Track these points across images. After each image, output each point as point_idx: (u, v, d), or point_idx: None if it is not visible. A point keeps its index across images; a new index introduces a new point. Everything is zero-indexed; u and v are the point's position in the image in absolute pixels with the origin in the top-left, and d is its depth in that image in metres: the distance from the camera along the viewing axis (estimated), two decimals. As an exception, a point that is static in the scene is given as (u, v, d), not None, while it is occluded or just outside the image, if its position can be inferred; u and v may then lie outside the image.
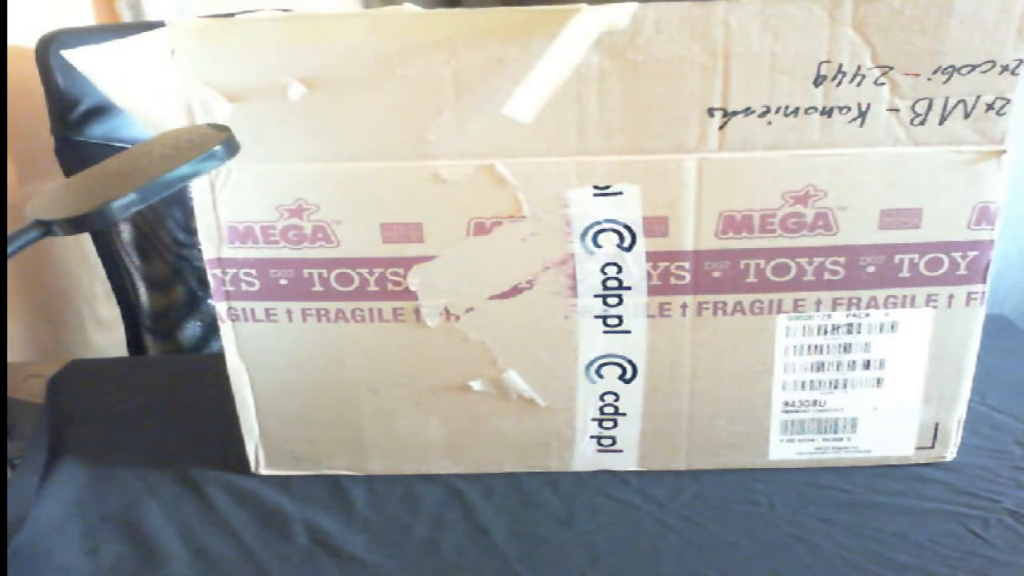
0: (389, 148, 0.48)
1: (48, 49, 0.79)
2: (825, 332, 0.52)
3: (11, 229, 0.35)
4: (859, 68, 0.45)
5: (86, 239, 0.93)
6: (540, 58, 0.44)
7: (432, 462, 0.56)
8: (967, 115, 0.46)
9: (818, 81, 0.45)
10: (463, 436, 0.55)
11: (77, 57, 0.45)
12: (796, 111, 0.46)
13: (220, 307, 0.52)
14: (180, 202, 0.88)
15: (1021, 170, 0.49)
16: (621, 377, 0.53)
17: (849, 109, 0.46)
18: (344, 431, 0.56)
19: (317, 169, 0.48)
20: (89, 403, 0.66)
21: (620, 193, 0.48)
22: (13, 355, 0.86)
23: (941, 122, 0.46)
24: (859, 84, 0.45)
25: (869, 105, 0.46)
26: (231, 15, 0.46)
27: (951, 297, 0.51)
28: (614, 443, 0.55)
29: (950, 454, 0.55)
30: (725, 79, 0.45)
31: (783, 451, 0.55)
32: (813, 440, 0.55)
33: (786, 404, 0.54)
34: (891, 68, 0.45)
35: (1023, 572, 0.47)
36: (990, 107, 0.46)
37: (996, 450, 0.56)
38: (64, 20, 0.94)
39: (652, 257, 0.50)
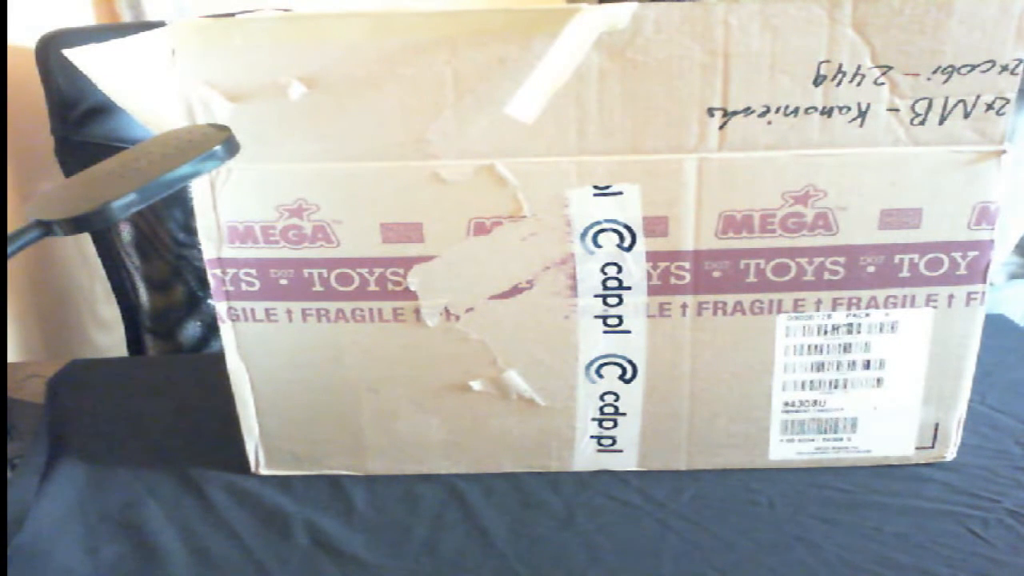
0: (389, 148, 0.48)
1: (48, 49, 0.79)
2: (825, 332, 0.52)
3: (11, 229, 0.35)
4: (859, 68, 0.45)
5: (86, 239, 0.93)
6: (541, 58, 0.44)
7: (432, 462, 0.56)
8: (967, 115, 0.46)
9: (818, 81, 0.45)
10: (463, 436, 0.55)
11: (77, 56, 0.45)
12: (796, 111, 0.46)
13: (220, 307, 0.52)
14: (180, 202, 0.88)
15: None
16: (621, 377, 0.53)
17: (849, 109, 0.46)
18: (344, 431, 0.56)
19: (317, 169, 0.48)
20: (89, 403, 0.66)
21: (620, 193, 0.48)
22: (13, 355, 0.86)
23: (941, 122, 0.46)
24: (859, 84, 0.45)
25: (869, 105, 0.46)
26: (231, 15, 0.46)
27: (951, 297, 0.51)
28: (614, 443, 0.55)
29: (950, 454, 0.55)
30: (725, 79, 0.45)
31: (783, 451, 0.55)
32: (813, 440, 0.55)
33: (786, 404, 0.54)
34: (891, 68, 0.45)
35: (1023, 572, 0.47)
36: (990, 107, 0.46)
37: (996, 450, 0.56)
38: (64, 20, 0.94)
39: (652, 257, 0.50)
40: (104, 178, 0.38)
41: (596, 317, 0.51)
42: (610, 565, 0.48)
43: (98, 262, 0.90)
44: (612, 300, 0.51)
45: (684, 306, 0.51)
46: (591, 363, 0.53)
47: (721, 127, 0.47)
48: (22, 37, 0.83)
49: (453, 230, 0.49)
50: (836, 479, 0.54)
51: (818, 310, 0.51)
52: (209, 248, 0.51)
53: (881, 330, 0.52)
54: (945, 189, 0.48)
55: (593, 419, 0.55)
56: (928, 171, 0.47)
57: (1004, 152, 0.47)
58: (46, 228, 0.35)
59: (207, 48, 0.46)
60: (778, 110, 0.46)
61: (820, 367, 0.53)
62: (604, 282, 0.50)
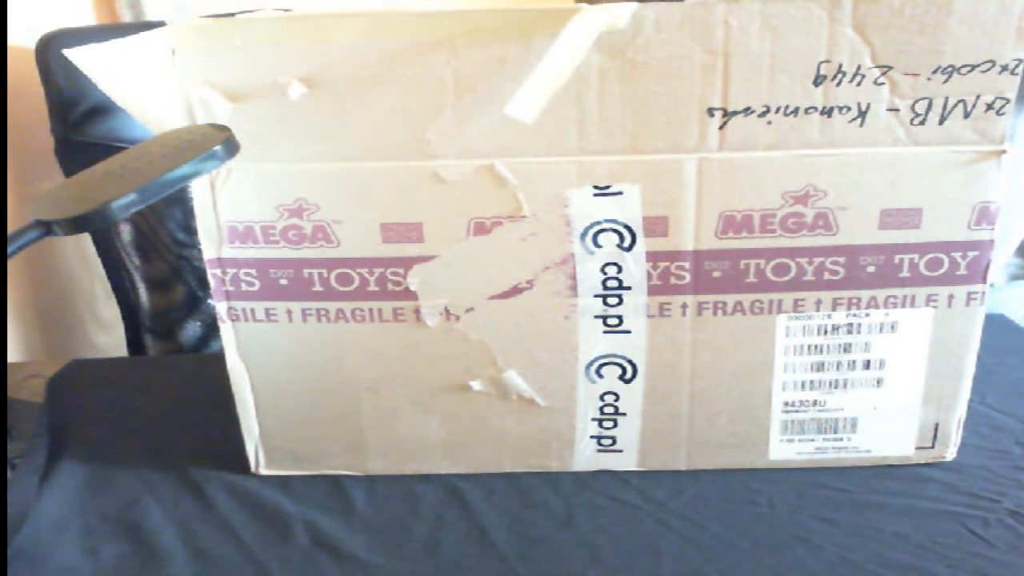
0: (389, 148, 0.48)
1: (48, 49, 0.79)
2: (825, 332, 0.52)
3: (11, 229, 0.35)
4: (859, 68, 0.45)
5: (86, 239, 0.93)
6: (541, 58, 0.44)
7: (432, 462, 0.56)
8: (967, 115, 0.46)
9: (818, 81, 0.45)
10: (463, 436, 0.55)
11: (77, 56, 0.45)
12: (796, 111, 0.46)
13: (220, 307, 0.52)
14: (180, 202, 0.88)
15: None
16: (621, 377, 0.53)
17: (849, 109, 0.46)
18: (344, 431, 0.56)
19: (317, 169, 0.48)
20: (89, 403, 0.66)
21: (620, 193, 0.48)
22: (13, 355, 0.86)
23: (941, 122, 0.46)
24: (859, 84, 0.45)
25: (869, 105, 0.46)
26: (231, 15, 0.46)
27: (951, 297, 0.51)
28: (614, 443, 0.55)
29: (950, 454, 0.55)
30: (725, 79, 0.45)
31: (783, 451, 0.55)
32: (813, 440, 0.55)
33: (786, 404, 0.54)
34: (891, 68, 0.45)
35: (1023, 572, 0.47)
36: (990, 107, 0.46)
37: (996, 450, 0.56)
38: (64, 20, 0.94)
39: (652, 257, 0.50)
40: (104, 178, 0.38)
41: (596, 317, 0.51)
42: (610, 565, 0.48)
43: (98, 262, 0.90)
44: (612, 300, 0.51)
45: (684, 306, 0.51)
46: (591, 363, 0.53)
47: (721, 127, 0.47)
48: (22, 37, 0.83)
49: (453, 230, 0.49)
50: (836, 479, 0.54)
51: (818, 310, 0.51)
52: (209, 248, 0.51)
53: (881, 330, 0.52)
54: (945, 189, 0.48)
55: (593, 419, 0.55)
56: (928, 171, 0.47)
57: (1004, 152, 0.47)
58: (46, 228, 0.35)
59: (207, 48, 0.46)
60: (778, 110, 0.46)
61: (820, 367, 0.53)
62: (604, 282, 0.50)
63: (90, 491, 0.56)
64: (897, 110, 0.46)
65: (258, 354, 0.53)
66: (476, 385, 0.53)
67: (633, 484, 0.55)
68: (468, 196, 0.48)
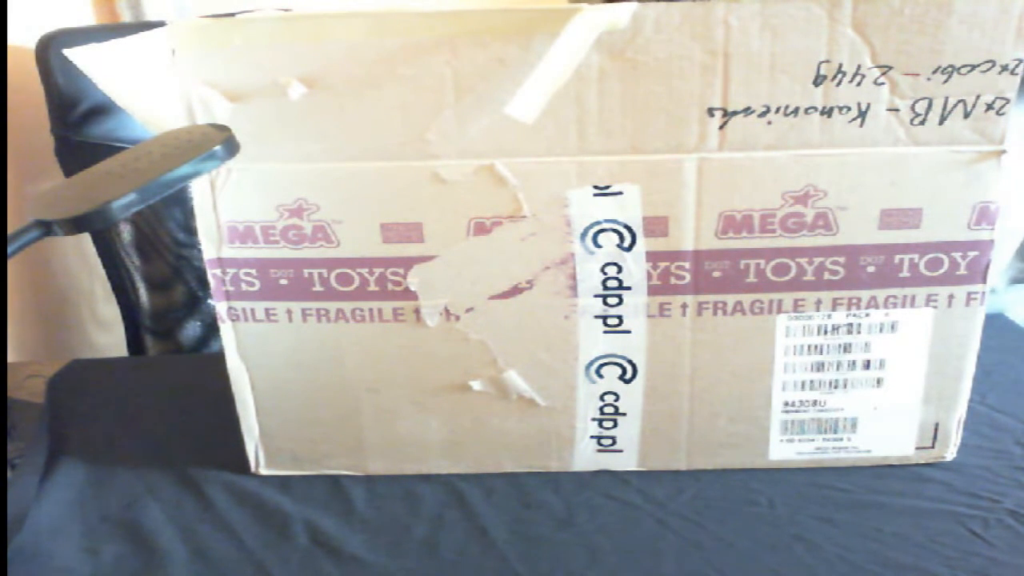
0: (389, 148, 0.48)
1: (48, 49, 0.79)
2: (825, 332, 0.52)
3: (11, 229, 0.35)
4: (859, 68, 0.45)
5: (86, 239, 0.93)
6: (541, 58, 0.44)
7: (432, 462, 0.56)
8: (967, 115, 0.46)
9: (818, 81, 0.45)
10: (463, 436, 0.55)
11: (78, 56, 0.45)
12: (796, 111, 0.46)
13: (220, 307, 0.52)
14: (180, 202, 0.88)
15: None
16: (621, 377, 0.53)
17: (849, 109, 0.46)
18: (344, 431, 0.56)
19: (317, 169, 0.48)
20: (89, 403, 0.66)
21: (620, 193, 0.48)
22: (13, 355, 0.86)
23: (941, 122, 0.46)
24: (859, 84, 0.45)
25: (869, 105, 0.46)
26: (231, 15, 0.46)
27: (951, 297, 0.51)
28: (614, 443, 0.55)
29: (950, 454, 0.55)
30: (725, 79, 0.45)
31: (783, 451, 0.55)
32: (813, 440, 0.55)
33: (786, 404, 0.54)
34: (891, 68, 0.45)
35: (1023, 572, 0.47)
36: (990, 107, 0.46)
37: (996, 450, 0.56)
38: (64, 20, 0.94)
39: (652, 257, 0.50)
40: (104, 178, 0.38)
41: (596, 317, 0.51)
42: (610, 565, 0.48)
43: (98, 262, 0.90)
44: (612, 300, 0.51)
45: (684, 306, 0.51)
46: (591, 363, 0.53)
47: (721, 127, 0.47)
48: (22, 37, 0.83)
49: (453, 230, 0.49)
50: (836, 479, 0.54)
51: (818, 310, 0.51)
52: (209, 248, 0.51)
53: (881, 330, 0.52)
54: (945, 189, 0.48)
55: (593, 419, 0.55)
56: (928, 171, 0.47)
57: (1004, 152, 0.47)
58: (46, 228, 0.35)
59: (207, 48, 0.46)
60: (778, 110, 0.46)
61: (820, 367, 0.53)
62: (604, 282, 0.50)
63: (90, 491, 0.56)
64: (897, 110, 0.46)
65: (258, 354, 0.53)
66: (476, 385, 0.53)
67: (633, 484, 0.55)
68: (468, 196, 0.48)
